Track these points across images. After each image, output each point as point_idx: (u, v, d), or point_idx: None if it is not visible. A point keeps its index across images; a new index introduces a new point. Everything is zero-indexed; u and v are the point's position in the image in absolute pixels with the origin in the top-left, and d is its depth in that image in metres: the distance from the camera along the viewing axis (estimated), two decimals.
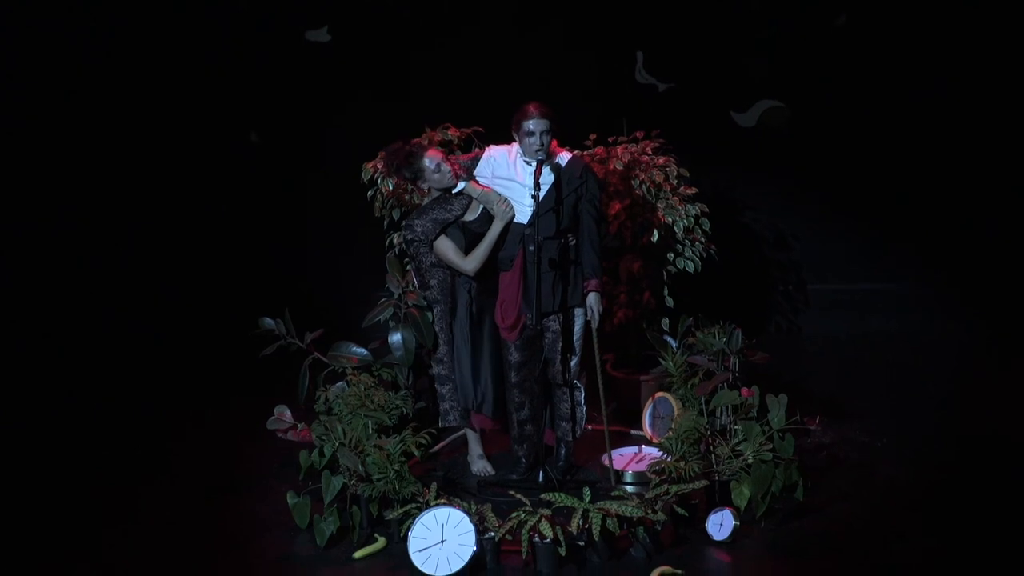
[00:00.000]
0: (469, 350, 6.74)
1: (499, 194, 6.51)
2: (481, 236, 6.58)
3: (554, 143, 6.48)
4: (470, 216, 6.65)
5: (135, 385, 8.75)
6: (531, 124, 6.39)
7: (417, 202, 7.34)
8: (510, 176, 6.53)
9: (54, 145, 9.42)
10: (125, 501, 6.79)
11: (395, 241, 7.59)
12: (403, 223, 7.07)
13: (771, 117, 9.41)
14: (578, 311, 6.64)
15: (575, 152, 6.73)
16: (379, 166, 7.38)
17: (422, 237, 6.62)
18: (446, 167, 6.62)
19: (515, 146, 6.59)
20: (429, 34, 9.33)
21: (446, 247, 6.58)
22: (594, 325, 6.63)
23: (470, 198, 6.62)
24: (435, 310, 6.83)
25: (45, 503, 6.87)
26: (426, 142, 7.00)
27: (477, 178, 6.64)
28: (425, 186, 6.75)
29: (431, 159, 6.63)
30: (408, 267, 7.24)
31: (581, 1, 9.28)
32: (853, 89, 9.37)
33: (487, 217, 6.61)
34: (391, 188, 7.39)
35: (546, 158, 6.43)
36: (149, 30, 9.36)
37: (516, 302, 6.53)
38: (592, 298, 6.58)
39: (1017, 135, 9.33)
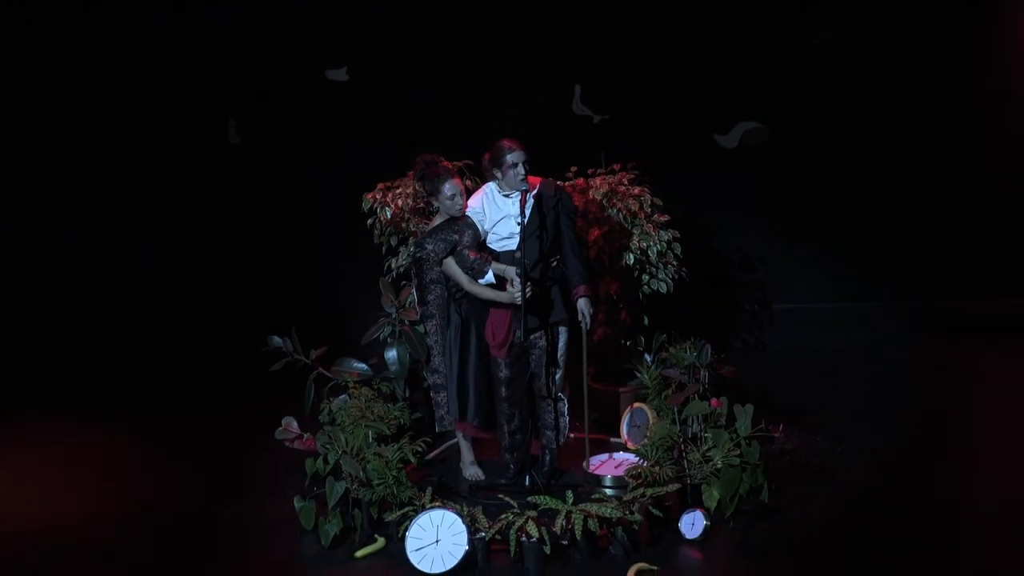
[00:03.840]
0: (457, 365, 6.74)
1: (517, 278, 6.40)
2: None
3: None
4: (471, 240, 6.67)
5: (153, 398, 8.75)
6: (513, 157, 6.46)
7: (413, 229, 7.38)
8: (500, 216, 6.57)
9: (73, 166, 9.44)
10: (142, 504, 6.82)
11: (393, 265, 7.61)
12: (415, 242, 7.10)
13: (752, 138, 9.44)
14: (561, 329, 6.66)
15: (544, 178, 6.74)
16: (378, 197, 7.41)
17: (432, 255, 6.65)
18: (460, 199, 6.63)
19: (484, 188, 6.66)
20: (422, 75, 9.37)
21: (454, 268, 6.59)
22: (585, 327, 6.63)
23: (475, 226, 6.59)
24: (430, 323, 6.86)
25: (61, 502, 6.89)
26: (456, 169, 7.00)
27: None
28: (436, 203, 6.77)
29: (452, 186, 6.63)
30: (404, 284, 7.29)
31: (562, 44, 9.31)
32: (815, 122, 9.42)
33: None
34: (389, 217, 7.41)
35: (527, 188, 6.48)
36: (166, 59, 9.36)
37: (506, 322, 6.55)
38: (583, 303, 6.57)
39: (973, 164, 9.39)
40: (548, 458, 6.82)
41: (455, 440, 7.04)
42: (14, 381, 9.18)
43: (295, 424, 7.17)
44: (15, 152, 9.43)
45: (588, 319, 6.61)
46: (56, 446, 7.94)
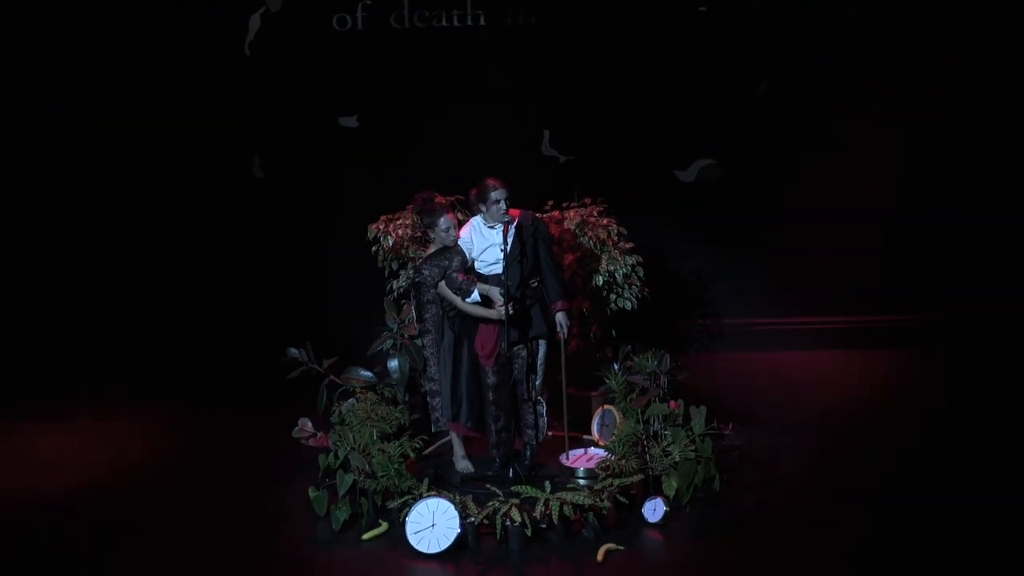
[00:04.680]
0: (450, 373, 6.76)
1: (500, 297, 6.41)
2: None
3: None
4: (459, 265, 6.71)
5: (190, 400, 8.68)
6: (497, 194, 6.47)
7: (411, 256, 7.41)
8: (486, 244, 6.59)
9: (126, 195, 9.42)
10: (175, 492, 6.84)
11: (394, 286, 7.62)
12: (413, 267, 7.12)
13: (707, 173, 9.45)
14: (540, 342, 6.66)
15: (523, 210, 6.79)
16: (381, 227, 7.44)
17: (429, 280, 6.66)
18: (454, 232, 6.66)
19: (472, 221, 6.68)
20: (420, 123, 9.40)
21: (447, 291, 6.64)
22: (563, 336, 6.65)
23: (463, 253, 6.63)
24: (427, 338, 6.88)
25: (104, 485, 6.91)
26: (449, 203, 7.04)
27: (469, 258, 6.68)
28: (432, 234, 6.79)
29: (447, 220, 6.65)
30: (404, 303, 7.31)
31: (539, 97, 9.36)
32: (761, 161, 9.44)
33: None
34: (390, 244, 7.43)
35: (509, 219, 6.54)
36: (203, 107, 9.36)
37: (494, 336, 6.57)
38: (560, 316, 6.57)
39: (893, 198, 9.44)
40: (529, 453, 6.81)
41: (448, 438, 7.02)
42: (75, 375, 9.13)
43: (310, 424, 7.19)
44: (70, 178, 9.44)
45: (566, 330, 6.63)
46: (100, 436, 7.87)
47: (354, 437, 6.55)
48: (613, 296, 7.67)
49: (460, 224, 6.77)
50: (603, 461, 6.49)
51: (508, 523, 5.92)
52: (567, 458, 6.81)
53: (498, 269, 6.51)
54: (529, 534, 5.91)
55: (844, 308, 9.57)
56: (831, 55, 9.27)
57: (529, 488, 6.21)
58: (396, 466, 6.33)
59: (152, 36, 9.24)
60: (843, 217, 9.47)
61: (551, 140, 9.44)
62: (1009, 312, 9.28)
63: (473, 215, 6.77)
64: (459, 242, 6.64)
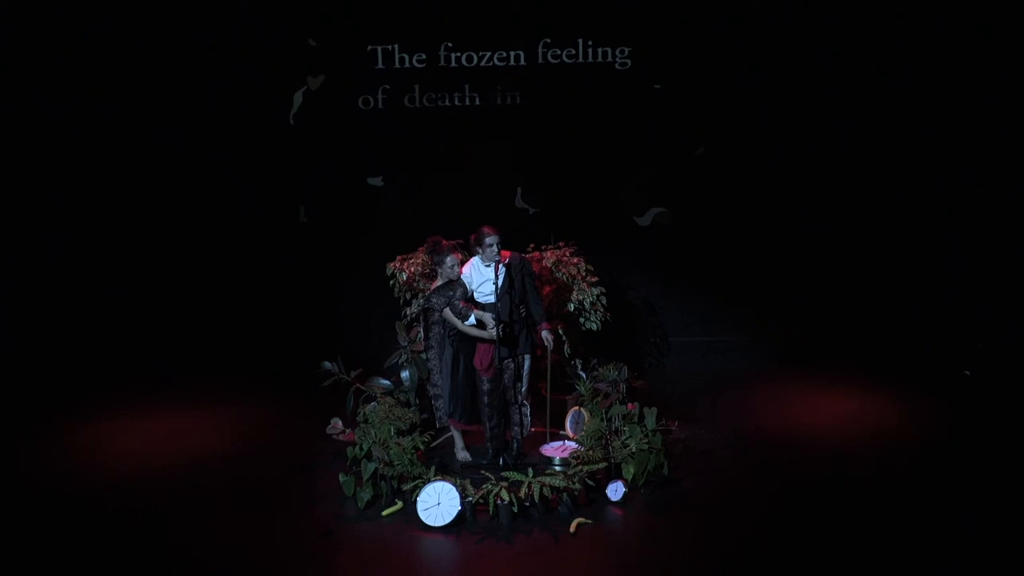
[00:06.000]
0: (450, 381, 6.78)
1: (491, 321, 6.50)
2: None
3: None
4: (461, 295, 6.78)
5: (241, 405, 8.47)
6: (491, 239, 6.58)
7: (421, 288, 7.47)
8: (483, 279, 6.69)
9: (186, 228, 9.36)
10: (227, 481, 6.74)
11: (407, 312, 7.69)
12: (423, 296, 7.16)
13: (660, 218, 9.49)
14: (526, 356, 6.72)
15: (512, 251, 6.86)
16: (397, 265, 7.50)
17: (436, 306, 6.73)
18: (457, 268, 6.70)
19: (471, 261, 6.76)
20: (429, 182, 9.45)
21: (451, 315, 6.71)
22: (549, 348, 6.70)
23: (465, 285, 6.68)
24: (431, 353, 6.92)
25: (167, 467, 6.88)
26: (454, 245, 7.12)
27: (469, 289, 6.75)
28: (439, 270, 6.84)
29: (453, 259, 6.70)
30: (414, 326, 7.37)
31: (523, 158, 9.45)
32: (703, 209, 9.47)
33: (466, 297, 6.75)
34: (404, 279, 7.50)
35: (500, 259, 6.62)
36: (261, 167, 9.41)
37: (490, 353, 6.65)
38: (546, 334, 6.65)
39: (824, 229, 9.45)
40: (516, 445, 6.82)
41: (450, 433, 7.06)
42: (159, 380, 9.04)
43: (340, 423, 7.23)
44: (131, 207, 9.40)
45: (551, 343, 6.71)
46: (176, 431, 7.72)
47: (375, 433, 6.57)
48: (582, 320, 7.73)
49: (462, 263, 6.85)
50: (575, 452, 6.52)
51: (499, 502, 5.98)
52: (546, 449, 6.87)
53: (492, 299, 6.62)
54: (516, 511, 5.97)
55: (775, 326, 9.55)
56: (757, 120, 9.36)
57: (516, 473, 6.25)
58: (409, 456, 6.34)
59: (211, 107, 9.33)
60: (770, 252, 9.49)
61: (525, 195, 9.48)
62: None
63: (472, 255, 6.86)
64: (461, 277, 6.71)
